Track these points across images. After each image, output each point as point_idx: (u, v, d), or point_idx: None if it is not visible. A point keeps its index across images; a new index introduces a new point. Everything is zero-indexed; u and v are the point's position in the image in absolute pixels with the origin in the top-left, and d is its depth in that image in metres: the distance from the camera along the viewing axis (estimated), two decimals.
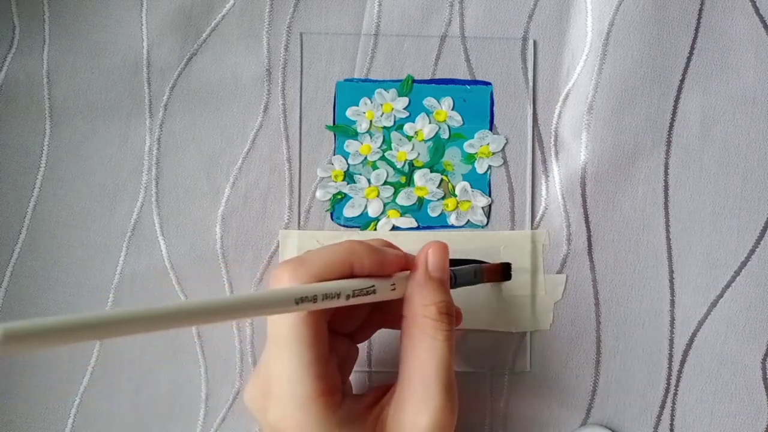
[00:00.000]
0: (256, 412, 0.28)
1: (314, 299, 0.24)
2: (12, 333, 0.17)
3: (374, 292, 0.27)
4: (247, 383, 0.29)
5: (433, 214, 0.36)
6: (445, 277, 0.29)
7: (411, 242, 0.36)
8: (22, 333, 0.17)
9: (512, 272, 0.36)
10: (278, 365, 0.26)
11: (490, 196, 0.37)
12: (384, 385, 0.30)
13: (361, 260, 0.27)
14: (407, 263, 0.29)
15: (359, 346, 0.32)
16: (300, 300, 0.24)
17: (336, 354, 0.29)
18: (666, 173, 0.37)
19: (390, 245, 0.30)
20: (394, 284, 0.28)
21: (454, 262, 0.36)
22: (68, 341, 0.18)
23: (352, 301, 0.26)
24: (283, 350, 0.26)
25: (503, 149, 0.37)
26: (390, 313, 0.30)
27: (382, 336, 0.36)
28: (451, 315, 0.28)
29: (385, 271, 0.28)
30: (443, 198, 0.37)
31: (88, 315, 0.19)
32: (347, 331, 0.31)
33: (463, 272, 0.33)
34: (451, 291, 0.30)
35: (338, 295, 0.25)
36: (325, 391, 0.26)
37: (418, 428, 0.26)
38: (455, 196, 0.37)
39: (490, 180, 0.37)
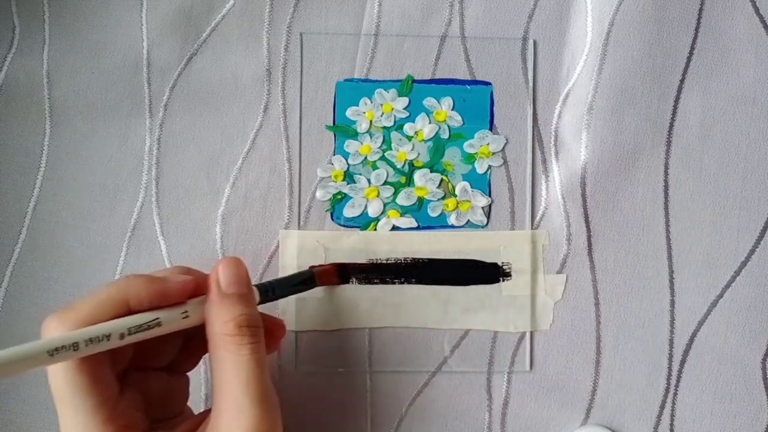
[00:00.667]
0: None
1: (75, 347, 0.23)
2: None
3: (159, 324, 0.26)
4: None
5: (433, 214, 0.36)
6: (243, 290, 0.28)
7: (411, 242, 0.36)
8: None
9: (511, 273, 0.36)
10: (63, 418, 0.25)
11: (490, 196, 0.37)
12: (200, 414, 0.29)
13: (137, 294, 0.26)
14: (199, 287, 0.28)
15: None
16: (55, 351, 0.23)
17: (146, 390, 0.28)
18: (666, 173, 0.37)
19: (187, 271, 0.29)
20: (186, 312, 0.27)
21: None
22: None
23: (132, 339, 0.25)
24: (62, 402, 0.25)
25: (503, 149, 0.37)
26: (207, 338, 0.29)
27: (382, 335, 0.36)
28: (254, 327, 0.27)
29: (169, 300, 0.27)
30: (443, 198, 0.37)
31: None
32: (162, 364, 0.30)
33: (282, 281, 0.32)
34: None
35: (108, 337, 0.24)
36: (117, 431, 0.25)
37: None
38: (455, 196, 0.37)
39: (490, 180, 0.37)
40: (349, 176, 0.37)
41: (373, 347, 0.36)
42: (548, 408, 0.36)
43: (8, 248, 0.37)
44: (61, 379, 0.25)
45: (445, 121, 0.37)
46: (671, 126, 0.37)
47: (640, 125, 0.36)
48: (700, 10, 0.37)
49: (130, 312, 0.26)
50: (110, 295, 0.26)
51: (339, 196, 0.36)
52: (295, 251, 0.36)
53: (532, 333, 0.36)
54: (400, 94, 0.37)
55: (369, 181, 0.37)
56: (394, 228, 0.36)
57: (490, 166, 0.37)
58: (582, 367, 0.36)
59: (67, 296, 0.36)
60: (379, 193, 0.36)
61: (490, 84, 0.37)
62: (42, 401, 0.36)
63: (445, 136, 0.37)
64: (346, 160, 0.37)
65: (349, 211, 0.36)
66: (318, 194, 0.36)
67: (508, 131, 0.37)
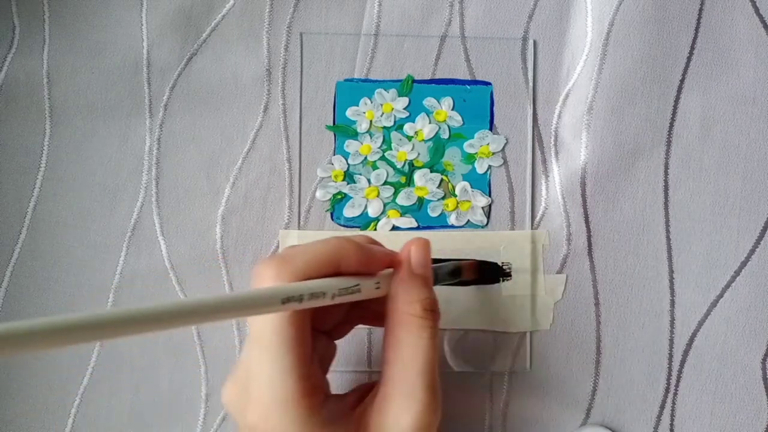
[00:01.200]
0: (235, 413, 0.27)
1: (300, 299, 0.24)
2: None
3: (359, 291, 0.26)
4: (225, 382, 0.28)
5: (433, 214, 0.36)
6: (429, 273, 0.29)
7: None
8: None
9: (511, 273, 0.36)
10: (260, 366, 0.25)
11: (490, 196, 0.37)
12: (366, 384, 0.30)
13: (349, 258, 0.26)
14: (391, 261, 0.28)
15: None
16: (286, 300, 0.23)
17: (317, 352, 0.28)
18: (666, 173, 0.37)
19: (375, 242, 0.30)
20: (378, 283, 0.27)
21: (443, 262, 0.36)
22: (56, 344, 0.18)
23: (337, 300, 0.26)
24: (265, 351, 0.25)
25: (503, 149, 0.37)
26: (368, 310, 0.29)
27: (382, 335, 0.36)
28: (435, 312, 0.28)
29: (371, 269, 0.27)
30: (443, 198, 0.37)
31: (59, 319, 0.18)
32: (326, 328, 0.30)
33: (443, 269, 0.32)
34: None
35: (324, 295, 0.25)
36: (308, 392, 0.25)
37: (401, 428, 0.26)
38: (455, 196, 0.37)
39: (490, 180, 0.37)
40: (349, 176, 0.37)
41: (373, 347, 0.36)
42: (548, 408, 0.36)
43: (8, 248, 0.37)
44: (271, 329, 0.25)
45: (445, 121, 0.37)
46: (671, 126, 0.37)
47: (640, 125, 0.36)
48: (700, 10, 0.37)
49: (337, 273, 0.26)
50: (325, 254, 0.26)
51: (339, 196, 0.36)
52: None
53: (532, 333, 0.36)
54: (400, 94, 0.37)
55: (369, 181, 0.37)
56: (394, 228, 0.36)
57: (490, 166, 0.37)
58: (582, 367, 0.36)
59: (67, 296, 0.36)
60: (379, 193, 0.36)
61: (490, 84, 0.37)
62: (42, 401, 0.36)
63: (445, 136, 0.37)
64: (346, 160, 0.37)
65: (349, 211, 0.36)
66: (318, 194, 0.36)
67: (508, 131, 0.37)
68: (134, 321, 0.19)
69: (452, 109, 0.37)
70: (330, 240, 0.27)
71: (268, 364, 0.25)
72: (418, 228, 0.36)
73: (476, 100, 0.37)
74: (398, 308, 0.27)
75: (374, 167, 0.37)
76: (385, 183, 0.37)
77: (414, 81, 0.37)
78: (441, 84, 0.37)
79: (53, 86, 0.37)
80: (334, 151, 0.37)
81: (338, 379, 0.36)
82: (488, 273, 0.36)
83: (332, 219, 0.36)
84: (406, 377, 0.26)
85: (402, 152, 0.37)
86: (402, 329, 0.27)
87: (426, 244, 0.29)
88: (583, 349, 0.36)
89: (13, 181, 0.37)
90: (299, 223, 0.36)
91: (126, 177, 0.37)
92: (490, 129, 0.37)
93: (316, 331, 0.29)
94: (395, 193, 0.37)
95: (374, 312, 0.29)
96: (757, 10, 0.37)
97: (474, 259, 0.36)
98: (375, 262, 0.28)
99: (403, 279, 0.28)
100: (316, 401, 0.26)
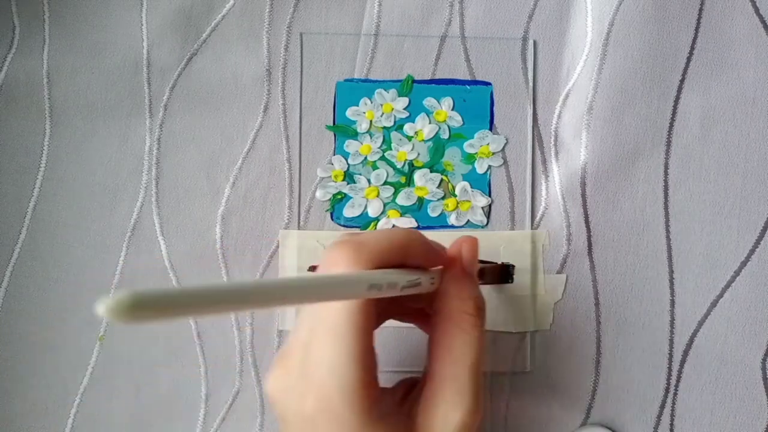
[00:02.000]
0: (286, 402, 0.26)
1: (380, 287, 0.23)
2: (140, 300, 0.16)
3: (420, 284, 0.26)
4: (272, 370, 0.26)
5: (433, 214, 0.36)
6: (477, 272, 0.29)
7: None
8: (150, 301, 0.16)
9: (513, 274, 0.36)
10: (326, 352, 0.24)
11: (490, 196, 0.37)
12: (409, 379, 0.29)
13: (416, 251, 0.26)
14: (443, 258, 0.29)
15: None
16: (371, 287, 0.23)
17: None
18: (666, 173, 0.37)
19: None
20: (433, 278, 0.27)
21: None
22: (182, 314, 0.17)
23: (402, 293, 0.25)
24: (335, 337, 0.24)
25: (503, 149, 0.37)
26: (402, 306, 0.29)
27: (382, 335, 0.36)
28: (484, 311, 0.28)
29: (433, 264, 0.28)
30: (443, 198, 0.37)
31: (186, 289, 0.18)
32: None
33: (491, 270, 0.32)
34: None
35: (395, 285, 0.24)
36: (370, 383, 0.25)
37: (449, 425, 0.25)
38: (455, 196, 0.37)
39: (490, 180, 0.37)
40: (349, 176, 0.37)
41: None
42: (548, 408, 0.36)
43: (8, 248, 0.37)
44: (345, 316, 0.24)
45: (445, 121, 0.37)
46: (671, 126, 0.37)
47: (640, 125, 0.36)
48: (700, 10, 0.37)
49: (402, 264, 0.26)
50: (396, 244, 0.26)
51: (339, 196, 0.36)
52: (295, 251, 0.36)
53: (532, 333, 0.36)
54: (400, 94, 0.37)
55: (369, 181, 0.37)
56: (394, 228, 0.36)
57: (490, 166, 0.37)
58: (582, 367, 0.36)
59: (67, 296, 0.36)
60: (379, 193, 0.36)
61: (490, 84, 0.37)
62: (42, 401, 0.36)
63: (445, 136, 0.37)
64: (346, 160, 0.37)
65: (349, 211, 0.36)
66: (318, 194, 0.36)
67: (508, 131, 0.37)
68: (212, 298, 0.18)
69: (452, 109, 0.37)
70: (400, 231, 0.27)
71: (336, 351, 0.24)
72: (418, 228, 0.36)
73: (476, 100, 0.37)
74: (450, 305, 0.27)
75: (374, 167, 0.37)
76: (385, 183, 0.37)
77: (414, 81, 0.37)
78: (441, 84, 0.37)
79: (53, 86, 0.37)
80: (334, 151, 0.37)
81: None
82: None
83: (332, 219, 0.36)
84: (457, 375, 0.26)
85: (402, 152, 0.37)
86: (454, 326, 0.27)
87: (475, 243, 0.29)
88: (583, 349, 0.36)
89: (13, 181, 0.37)
90: (299, 223, 0.36)
91: (126, 177, 0.37)
92: (490, 129, 0.37)
93: None
94: (395, 193, 0.37)
95: (404, 308, 0.29)
96: (757, 10, 0.37)
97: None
98: (439, 258, 0.28)
99: (456, 276, 0.28)
100: (375, 393, 0.25)
